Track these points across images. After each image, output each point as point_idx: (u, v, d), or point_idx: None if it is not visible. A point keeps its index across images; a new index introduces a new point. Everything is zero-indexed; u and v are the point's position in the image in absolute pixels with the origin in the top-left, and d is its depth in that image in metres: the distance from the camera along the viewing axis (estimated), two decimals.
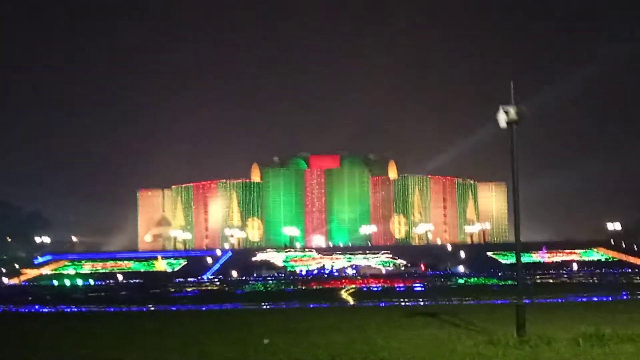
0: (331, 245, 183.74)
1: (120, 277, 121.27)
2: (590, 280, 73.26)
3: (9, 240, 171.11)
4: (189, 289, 74.30)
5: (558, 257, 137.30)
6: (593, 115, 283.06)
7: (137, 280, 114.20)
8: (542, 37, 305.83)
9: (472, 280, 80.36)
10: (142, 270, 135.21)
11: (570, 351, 19.15)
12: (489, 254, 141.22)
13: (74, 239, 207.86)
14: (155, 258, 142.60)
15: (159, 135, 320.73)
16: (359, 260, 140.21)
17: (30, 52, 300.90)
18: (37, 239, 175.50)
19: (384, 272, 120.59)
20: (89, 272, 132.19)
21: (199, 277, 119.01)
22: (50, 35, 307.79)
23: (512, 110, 22.56)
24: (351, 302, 44.84)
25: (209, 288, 78.11)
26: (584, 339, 20.70)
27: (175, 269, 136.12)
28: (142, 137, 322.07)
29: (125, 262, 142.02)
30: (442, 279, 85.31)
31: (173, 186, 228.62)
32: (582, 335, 21.22)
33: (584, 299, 40.58)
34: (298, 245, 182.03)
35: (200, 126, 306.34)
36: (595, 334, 21.24)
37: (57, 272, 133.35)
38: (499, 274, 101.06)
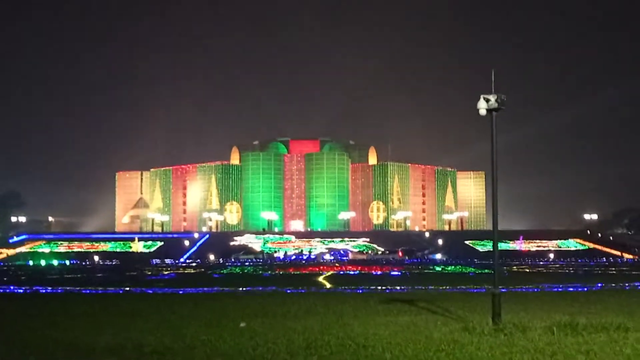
0: (309, 230, 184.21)
1: (96, 258, 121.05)
2: (566, 270, 73.88)
3: None
4: (165, 272, 74.19)
5: (535, 246, 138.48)
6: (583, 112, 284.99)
7: (114, 262, 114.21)
8: (525, 23, 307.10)
9: (449, 267, 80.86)
10: (118, 251, 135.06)
11: (544, 339, 19.31)
12: (467, 242, 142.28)
13: (51, 218, 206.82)
14: (132, 239, 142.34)
15: (139, 118, 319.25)
16: (337, 245, 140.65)
17: (6, 33, 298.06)
18: (13, 219, 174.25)
19: (370, 258, 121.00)
20: (65, 252, 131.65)
21: (176, 260, 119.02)
22: (29, 15, 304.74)
23: (492, 99, 22.62)
24: (328, 286, 44.96)
25: (186, 271, 78.09)
26: (559, 327, 20.88)
27: (152, 251, 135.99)
28: (121, 119, 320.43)
29: (102, 243, 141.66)
30: (420, 267, 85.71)
31: (152, 169, 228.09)
32: (557, 324, 21.40)
33: (560, 289, 40.92)
34: (276, 229, 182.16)
35: (180, 108, 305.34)
36: (569, 323, 21.43)
37: (33, 250, 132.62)
38: (476, 262, 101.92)
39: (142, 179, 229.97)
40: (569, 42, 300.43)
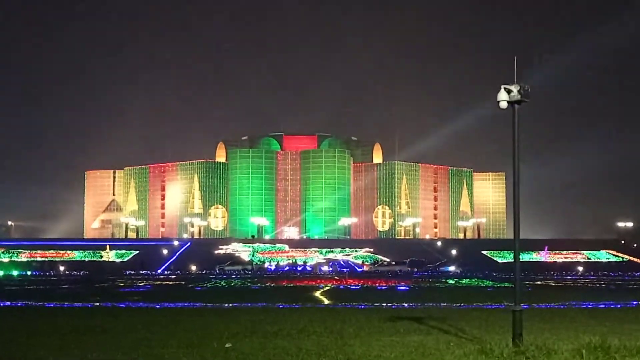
0: (305, 238, 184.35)
1: (62, 268, 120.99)
2: (597, 285, 73.96)
3: None
4: (140, 284, 74.19)
5: (562, 258, 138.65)
6: (606, 91, 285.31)
7: (82, 272, 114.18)
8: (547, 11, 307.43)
9: (464, 281, 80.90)
10: (87, 260, 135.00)
11: None
12: (484, 252, 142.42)
13: (10, 223, 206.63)
14: (104, 247, 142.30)
15: (112, 109, 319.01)
16: (337, 255, 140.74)
17: None
18: None
19: (374, 270, 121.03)
20: (27, 261, 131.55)
21: (153, 271, 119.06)
22: None
23: (514, 89, 22.63)
24: (326, 302, 44.94)
25: (164, 283, 78.07)
26: (588, 350, 20.89)
27: (126, 260, 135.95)
28: (92, 111, 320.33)
29: (69, 251, 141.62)
30: (430, 280, 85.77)
31: (126, 167, 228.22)
32: (586, 346, 21.41)
33: (590, 306, 40.94)
34: (267, 237, 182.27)
35: (159, 99, 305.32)
36: (600, 346, 21.44)
37: None
38: (495, 275, 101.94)
39: (114, 178, 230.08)
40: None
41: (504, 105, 22.85)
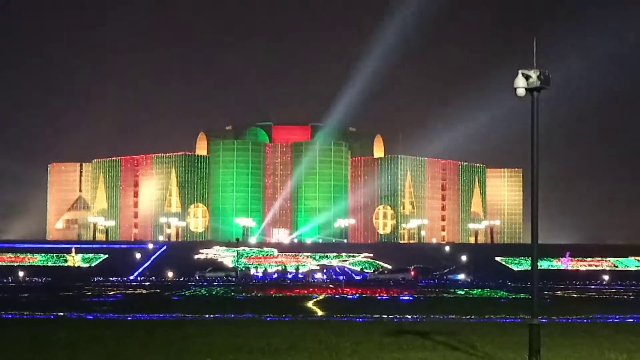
0: (297, 242, 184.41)
1: (21, 274, 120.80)
2: (625, 296, 74.13)
3: None
4: (110, 292, 74.13)
5: (585, 265, 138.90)
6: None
7: (44, 279, 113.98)
8: None
9: (475, 291, 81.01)
10: (50, 265, 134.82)
11: None
12: (498, 258, 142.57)
13: None
14: (69, 251, 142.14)
15: (79, 95, 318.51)
16: (332, 261, 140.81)
17: None
18: None
19: (374, 278, 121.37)
20: None
21: (124, 277, 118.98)
22: None
23: (533, 75, 22.68)
24: (320, 314, 45.01)
25: (137, 292, 77.99)
26: None
27: (94, 265, 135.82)
28: (56, 96, 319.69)
29: (29, 254, 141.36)
30: (437, 289, 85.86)
31: (94, 159, 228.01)
32: None
33: (616, 319, 41.07)
34: (253, 240, 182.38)
35: (132, 83, 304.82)
36: None
37: None
38: (510, 285, 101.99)
39: (81, 172, 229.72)
40: None
41: (521, 92, 22.90)
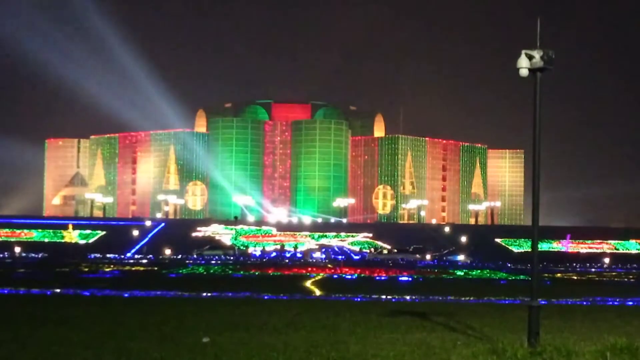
0: (295, 221, 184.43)
1: (17, 250, 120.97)
2: (626, 279, 74.26)
3: None
4: (107, 269, 74.29)
5: (586, 248, 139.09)
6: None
7: (40, 255, 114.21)
8: None
9: (474, 272, 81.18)
10: (47, 241, 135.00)
11: None
12: (498, 240, 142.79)
13: None
14: (66, 227, 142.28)
15: (77, 70, 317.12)
16: (331, 240, 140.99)
17: None
18: None
19: (373, 259, 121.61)
20: None
21: (122, 254, 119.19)
22: None
23: (536, 55, 22.60)
24: (317, 293, 45.10)
25: (134, 269, 78.16)
26: (613, 352, 21.00)
27: (91, 242, 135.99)
28: (53, 69, 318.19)
29: (26, 230, 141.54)
30: (436, 270, 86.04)
31: (92, 136, 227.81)
32: (611, 348, 21.52)
33: (616, 303, 41.17)
34: (252, 218, 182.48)
35: (131, 59, 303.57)
36: (627, 347, 21.54)
37: None
38: (509, 266, 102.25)
39: (79, 148, 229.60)
40: None
41: (524, 73, 22.81)
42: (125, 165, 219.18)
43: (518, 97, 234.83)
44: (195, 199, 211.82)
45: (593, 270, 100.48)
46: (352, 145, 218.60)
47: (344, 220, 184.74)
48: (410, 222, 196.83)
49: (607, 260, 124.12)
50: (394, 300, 40.60)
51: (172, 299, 39.64)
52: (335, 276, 68.67)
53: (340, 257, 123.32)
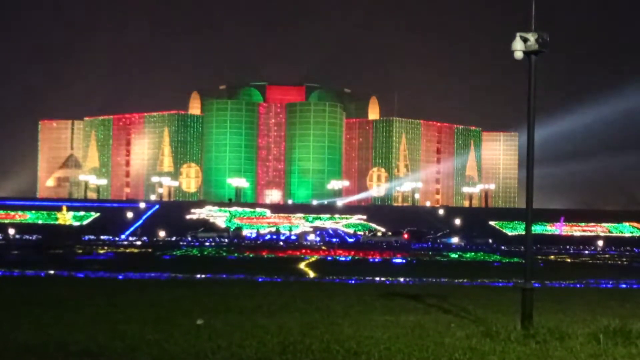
0: (290, 203, 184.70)
1: (11, 231, 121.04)
2: (619, 262, 74.48)
3: None
4: (101, 251, 74.38)
5: (579, 231, 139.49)
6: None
7: (34, 236, 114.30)
8: None
9: (468, 255, 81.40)
10: (40, 223, 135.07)
11: (587, 350, 19.48)
12: (492, 222, 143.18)
13: None
14: (59, 209, 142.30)
15: (71, 52, 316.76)
16: (325, 222, 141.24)
17: None
18: None
19: (367, 241, 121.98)
20: None
21: (116, 236, 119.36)
22: None
23: (531, 38, 22.57)
24: (312, 275, 45.17)
25: (128, 251, 78.26)
26: (606, 334, 21.06)
27: (85, 224, 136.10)
28: (47, 52, 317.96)
29: (20, 212, 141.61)
30: (430, 253, 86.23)
31: (86, 117, 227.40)
32: (604, 330, 21.58)
33: (609, 285, 41.30)
34: (246, 201, 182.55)
35: (125, 41, 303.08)
36: (620, 330, 21.60)
37: None
38: (503, 249, 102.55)
39: (73, 130, 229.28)
40: None
41: (519, 55, 22.79)
42: (120, 147, 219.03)
43: (512, 80, 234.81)
44: (190, 181, 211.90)
45: (587, 252, 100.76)
46: (347, 127, 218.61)
47: (338, 203, 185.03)
48: (405, 204, 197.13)
49: (600, 242, 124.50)
50: (387, 282, 40.69)
51: (166, 281, 39.69)
52: (329, 258, 68.82)
53: (334, 239, 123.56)
